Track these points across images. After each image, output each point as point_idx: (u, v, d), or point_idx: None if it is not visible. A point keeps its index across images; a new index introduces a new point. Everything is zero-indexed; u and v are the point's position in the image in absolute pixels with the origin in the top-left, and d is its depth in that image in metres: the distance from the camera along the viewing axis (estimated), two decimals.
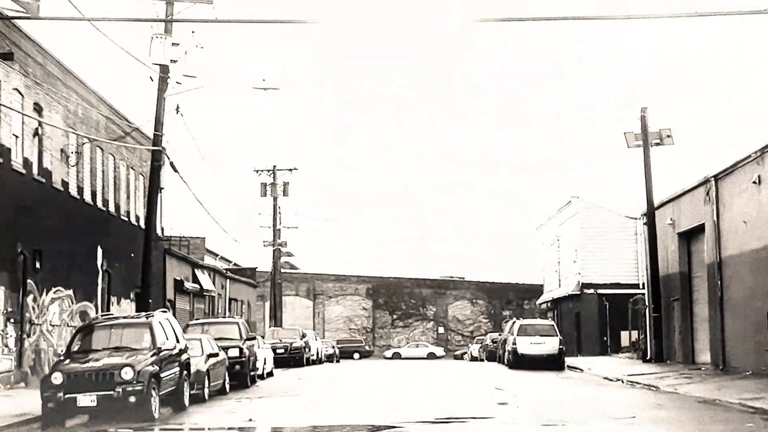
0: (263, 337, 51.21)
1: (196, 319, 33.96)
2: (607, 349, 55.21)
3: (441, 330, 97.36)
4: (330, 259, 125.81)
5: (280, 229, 77.37)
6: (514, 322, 46.19)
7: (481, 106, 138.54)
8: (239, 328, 30.89)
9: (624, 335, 55.14)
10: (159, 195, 31.68)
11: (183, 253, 50.76)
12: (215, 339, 30.10)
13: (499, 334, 51.31)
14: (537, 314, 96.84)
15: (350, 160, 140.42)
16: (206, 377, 24.54)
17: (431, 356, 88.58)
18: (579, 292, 59.99)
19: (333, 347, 71.69)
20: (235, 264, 79.29)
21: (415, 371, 43.30)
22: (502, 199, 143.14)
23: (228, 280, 60.78)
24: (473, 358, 64.04)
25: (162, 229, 45.31)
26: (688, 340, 39.11)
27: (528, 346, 41.07)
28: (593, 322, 56.75)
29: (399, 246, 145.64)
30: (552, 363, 41.28)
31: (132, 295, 39.82)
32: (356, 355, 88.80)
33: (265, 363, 35.85)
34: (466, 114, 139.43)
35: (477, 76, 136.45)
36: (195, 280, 51.23)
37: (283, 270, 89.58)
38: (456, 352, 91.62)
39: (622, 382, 31.95)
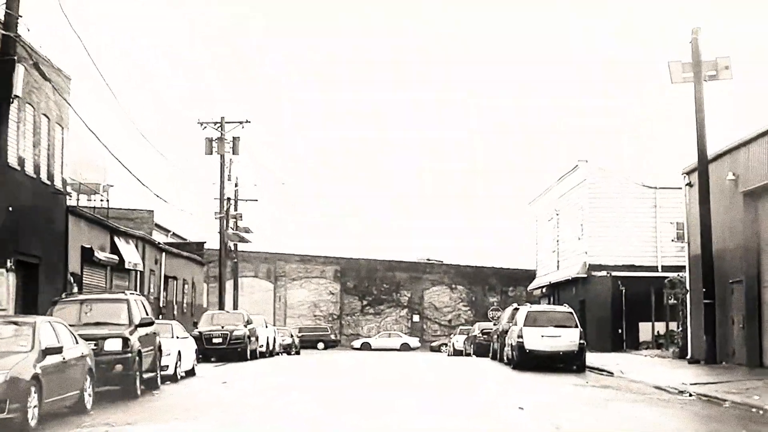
0: (196, 324, 40.97)
1: (69, 295, 23.72)
2: (622, 344, 45.29)
3: (416, 318, 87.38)
4: (293, 237, 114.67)
5: (235, 200, 67.05)
6: (517, 309, 36.21)
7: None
8: (129, 310, 20.59)
9: (643, 327, 45.26)
10: (9, 108, 21.21)
11: (97, 216, 40.27)
12: (95, 324, 20.02)
13: (494, 323, 41.18)
14: (524, 303, 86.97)
15: (316, 121, 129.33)
16: (33, 388, 14.25)
17: (405, 347, 78.63)
18: (585, 275, 50.03)
19: (292, 336, 61.50)
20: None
21: (389, 370, 33.17)
22: (489, 173, 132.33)
23: (164, 254, 50.32)
24: (455, 352, 53.97)
25: (64, 181, 34.85)
26: (755, 336, 29.16)
27: (538, 339, 31.02)
28: (604, 311, 46.75)
29: (371, 224, 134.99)
30: (569, 362, 31.33)
31: (10, 264, 29.30)
32: (320, 345, 78.79)
33: (179, 359, 25.60)
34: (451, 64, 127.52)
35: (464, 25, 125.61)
36: (114, 250, 40.77)
37: (240, 249, 79.65)
38: (432, 344, 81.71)
39: (690, 395, 21.92)
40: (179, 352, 25.54)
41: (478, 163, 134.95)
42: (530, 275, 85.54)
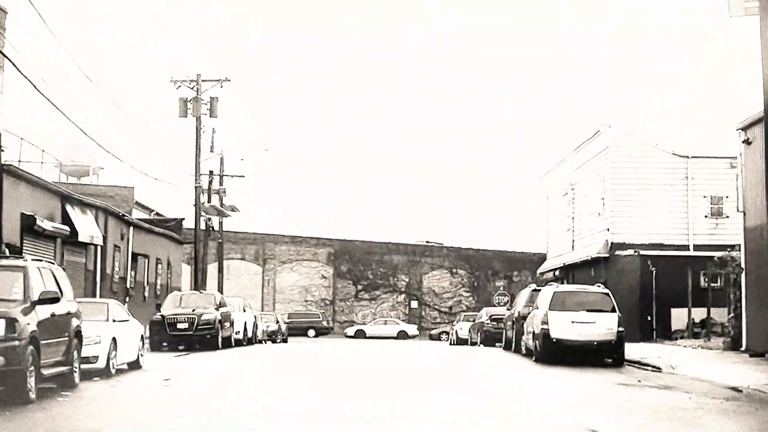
0: (159, 306, 35.19)
1: None
2: (652, 334, 39.52)
3: (414, 304, 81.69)
4: (284, 217, 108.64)
5: (220, 176, 61.69)
6: (538, 290, 30.53)
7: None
8: (26, 282, 14.83)
9: (676, 314, 39.54)
10: None
11: (43, 179, 34.46)
12: None
13: (508, 308, 35.45)
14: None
15: (308, 97, 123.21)
16: None
17: (402, 335, 72.95)
18: (607, 255, 44.29)
19: (278, 322, 55.80)
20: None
21: (383, 363, 27.42)
22: (494, 148, 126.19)
23: (132, 229, 44.51)
24: (459, 341, 48.25)
25: None
26: None
27: (567, 327, 25.31)
28: (631, 295, 40.85)
29: (367, 205, 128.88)
30: (605, 354, 25.68)
31: None
32: (311, 332, 73.09)
33: (114, 348, 19.82)
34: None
35: None
36: (66, 220, 35.01)
37: (226, 229, 74.14)
38: (432, 331, 76.08)
39: None
40: (113, 339, 19.77)
41: (479, 155, 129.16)
42: (538, 259, 79.83)
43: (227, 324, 34.46)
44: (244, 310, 39.37)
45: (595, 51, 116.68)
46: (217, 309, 33.36)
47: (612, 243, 44.03)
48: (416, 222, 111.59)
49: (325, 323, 74.46)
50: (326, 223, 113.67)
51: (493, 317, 41.08)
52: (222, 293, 61.99)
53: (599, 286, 26.86)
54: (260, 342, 47.02)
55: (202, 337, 32.09)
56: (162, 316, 32.19)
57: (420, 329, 77.30)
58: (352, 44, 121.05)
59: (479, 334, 42.54)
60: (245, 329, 38.47)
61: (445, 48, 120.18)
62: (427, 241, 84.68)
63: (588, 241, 47.92)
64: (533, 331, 26.67)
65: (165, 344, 32.55)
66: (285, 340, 57.15)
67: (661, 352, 29.11)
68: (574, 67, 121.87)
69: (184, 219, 59.39)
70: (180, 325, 31.93)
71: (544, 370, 23.52)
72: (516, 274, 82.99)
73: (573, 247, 51.63)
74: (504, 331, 35.09)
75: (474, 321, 46.39)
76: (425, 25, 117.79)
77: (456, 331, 50.03)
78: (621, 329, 25.47)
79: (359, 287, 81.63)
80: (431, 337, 74.79)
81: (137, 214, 60.22)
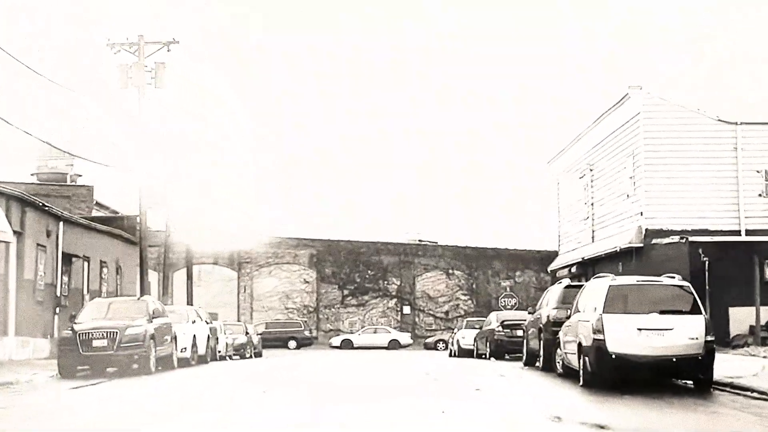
0: (74, 317, 26.95)
1: None
2: None
3: (406, 310, 73.77)
4: (284, 217, 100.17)
5: None
6: (574, 286, 22.70)
7: None
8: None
9: (736, 315, 31.72)
10: None
11: None
12: None
13: (530, 311, 27.42)
14: (531, 289, 73.61)
15: (307, 97, 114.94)
16: None
17: (394, 345, 65.11)
18: (641, 245, 36.43)
19: (247, 334, 47.85)
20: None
21: (371, 387, 19.34)
22: (494, 148, 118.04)
23: (61, 224, 36.45)
24: (462, 352, 40.26)
25: None
26: None
27: (632, 337, 17.39)
28: None
29: (365, 203, 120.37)
30: (687, 375, 17.89)
31: None
32: (292, 344, 65.16)
33: None
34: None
35: None
36: None
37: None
38: (427, 339, 68.24)
39: None
40: None
41: (479, 154, 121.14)
42: (542, 257, 72.00)
43: (166, 339, 26.43)
44: (192, 321, 31.28)
45: (595, 51, 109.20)
46: (150, 320, 25.30)
47: (647, 230, 36.18)
48: (414, 221, 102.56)
49: (307, 333, 66.51)
50: (326, 224, 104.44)
51: (505, 323, 33.16)
52: (193, 303, 54.53)
53: (674, 277, 18.95)
54: (223, 359, 39.08)
55: (127, 357, 24.05)
56: (73, 330, 24.15)
57: (414, 337, 69.45)
58: (352, 44, 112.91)
59: (488, 344, 34.57)
60: (195, 345, 30.42)
61: (445, 48, 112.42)
62: (419, 240, 76.79)
63: (613, 230, 40.06)
64: (579, 343, 18.72)
65: (81, 368, 24.59)
66: (258, 354, 49.25)
67: (749, 368, 21.22)
68: (574, 67, 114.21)
69: (138, 216, 51.53)
70: (97, 343, 23.90)
71: (604, 404, 15.61)
72: (519, 274, 75.14)
73: (593, 238, 43.79)
74: (524, 342, 27.13)
75: (480, 328, 38.39)
76: (425, 25, 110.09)
77: (457, 340, 42.05)
78: (710, 338, 17.56)
79: (345, 292, 73.72)
80: (426, 347, 66.98)
81: (96, 215, 52.61)
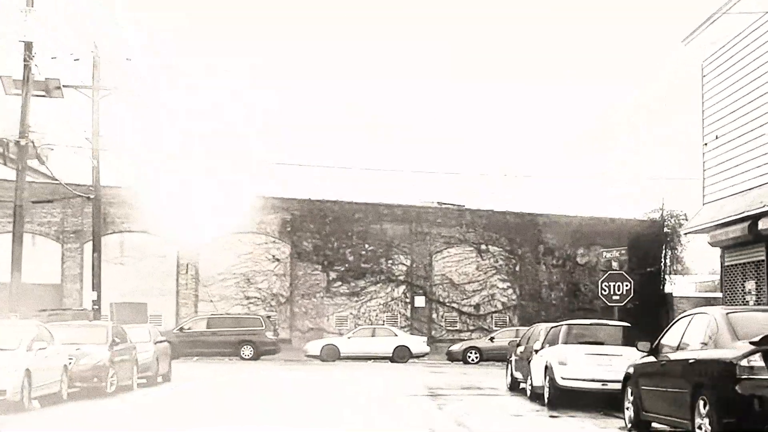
0: None
1: None
2: None
3: (419, 302, 51.42)
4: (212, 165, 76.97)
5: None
6: None
7: None
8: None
9: None
10: None
11: None
12: None
13: None
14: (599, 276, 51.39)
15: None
16: None
17: (401, 354, 43.00)
18: None
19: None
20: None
21: None
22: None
23: None
24: (561, 394, 17.65)
25: None
26: None
27: None
28: None
29: (345, 147, 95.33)
30: None
31: None
32: (247, 351, 42.79)
33: None
34: None
35: None
36: None
37: (113, 184, 46.21)
38: (452, 347, 45.63)
39: None
40: None
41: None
42: (616, 228, 50.10)
43: None
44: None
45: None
46: None
47: None
48: (431, 176, 78.25)
49: (270, 334, 43.71)
50: (307, 176, 78.34)
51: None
52: (99, 289, 34.94)
53: None
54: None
55: None
56: None
57: (430, 342, 47.08)
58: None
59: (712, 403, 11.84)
60: None
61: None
62: (439, 203, 54.00)
63: None
64: None
65: None
66: (165, 378, 27.46)
67: None
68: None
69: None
70: None
71: None
72: (581, 252, 52.61)
73: None
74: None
75: (592, 340, 15.55)
76: None
77: (550, 367, 19.12)
78: None
79: (332, 275, 51.18)
80: (450, 357, 44.65)
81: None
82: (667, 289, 51.84)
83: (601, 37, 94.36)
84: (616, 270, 29.46)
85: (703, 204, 27.51)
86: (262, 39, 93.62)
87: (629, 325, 19.54)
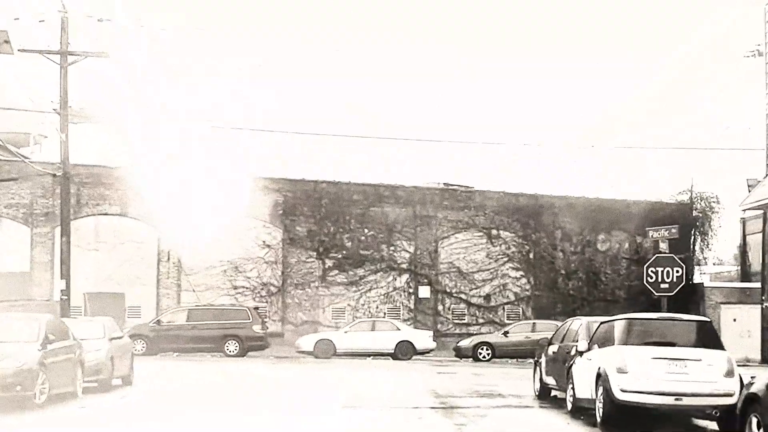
0: None
1: None
2: None
3: (424, 292, 46.98)
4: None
5: None
6: None
7: None
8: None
9: None
10: None
11: None
12: None
13: None
14: (622, 263, 46.95)
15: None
16: None
17: (404, 350, 38.61)
18: None
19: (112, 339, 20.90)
20: None
21: None
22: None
23: None
24: (613, 410, 13.13)
25: None
26: None
27: None
28: None
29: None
30: None
31: None
32: (232, 347, 38.32)
33: None
34: None
35: None
36: None
37: (89, 163, 42.59)
38: (460, 343, 41.11)
39: None
40: None
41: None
42: (642, 210, 45.63)
43: None
44: None
45: None
46: None
47: None
48: (438, 156, 72.73)
49: (258, 328, 39.15)
50: (300, 155, 72.60)
51: None
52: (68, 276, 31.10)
53: None
54: None
55: None
56: None
57: (437, 336, 42.60)
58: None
59: None
60: None
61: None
62: (445, 184, 49.36)
63: None
64: None
65: None
66: (125, 381, 23.22)
67: None
68: None
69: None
70: None
71: None
72: (602, 236, 48.05)
73: None
74: None
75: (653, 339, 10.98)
76: None
77: (604, 375, 14.50)
78: None
79: (329, 263, 46.66)
80: (458, 353, 40.22)
81: None
82: (696, 278, 47.30)
83: (623, 12, 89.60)
84: (664, 253, 24.89)
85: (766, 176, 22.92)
86: (261, 39, 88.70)
87: (708, 320, 15.01)
